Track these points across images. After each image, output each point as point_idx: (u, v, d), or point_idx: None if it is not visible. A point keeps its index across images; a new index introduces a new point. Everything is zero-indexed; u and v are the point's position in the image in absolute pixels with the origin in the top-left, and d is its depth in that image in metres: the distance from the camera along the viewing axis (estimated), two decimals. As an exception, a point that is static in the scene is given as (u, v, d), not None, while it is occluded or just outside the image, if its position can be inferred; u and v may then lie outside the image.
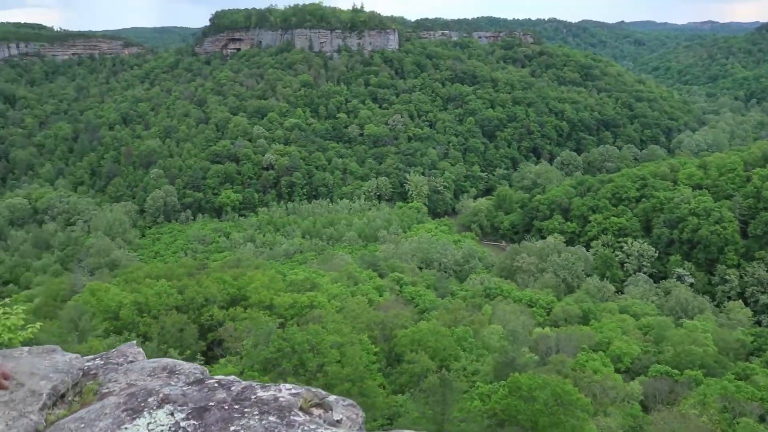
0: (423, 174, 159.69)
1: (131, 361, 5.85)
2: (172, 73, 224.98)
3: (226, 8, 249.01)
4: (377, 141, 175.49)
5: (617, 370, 52.44)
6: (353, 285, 68.74)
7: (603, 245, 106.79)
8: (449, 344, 46.33)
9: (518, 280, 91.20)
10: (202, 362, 38.56)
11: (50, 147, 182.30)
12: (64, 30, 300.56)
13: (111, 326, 43.83)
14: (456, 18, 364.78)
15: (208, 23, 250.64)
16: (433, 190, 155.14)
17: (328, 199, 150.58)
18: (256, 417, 4.15)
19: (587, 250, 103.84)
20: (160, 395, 4.61)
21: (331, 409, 4.65)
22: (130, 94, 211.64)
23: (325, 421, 4.44)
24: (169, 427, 4.15)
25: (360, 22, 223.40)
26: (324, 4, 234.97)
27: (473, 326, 54.73)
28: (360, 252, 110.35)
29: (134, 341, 6.64)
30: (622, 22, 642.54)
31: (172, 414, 4.29)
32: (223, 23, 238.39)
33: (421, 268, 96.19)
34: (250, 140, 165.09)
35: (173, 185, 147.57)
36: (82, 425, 4.41)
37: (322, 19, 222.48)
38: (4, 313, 7.59)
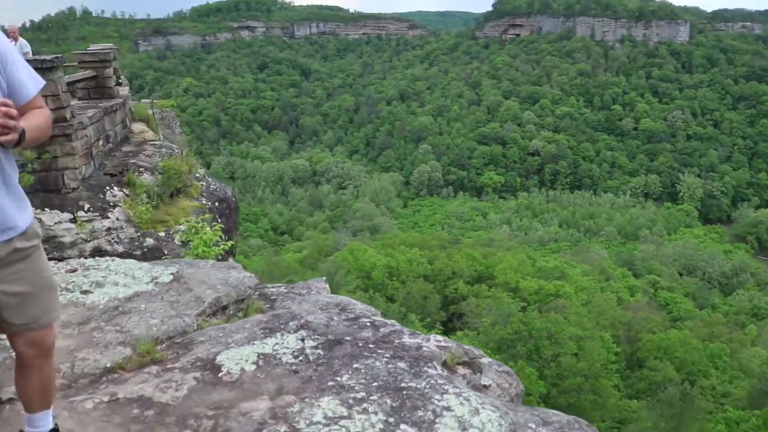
0: (698, 176, 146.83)
1: (314, 294, 6.01)
2: (451, 55, 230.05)
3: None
4: (652, 137, 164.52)
5: None
6: (604, 281, 65.80)
7: None
8: (699, 359, 42.59)
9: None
10: (441, 332, 39.44)
11: (333, 116, 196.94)
12: (358, 12, 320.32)
13: (362, 284, 46.37)
14: (762, 9, 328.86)
15: (490, 8, 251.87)
16: (708, 194, 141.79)
17: (591, 191, 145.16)
18: (385, 359, 4.03)
19: None
20: (302, 321, 4.73)
21: (481, 372, 4.27)
22: (410, 73, 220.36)
23: (468, 383, 4.09)
24: (293, 351, 4.22)
25: (648, 11, 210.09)
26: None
27: (731, 345, 49.59)
28: (617, 249, 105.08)
29: (324, 277, 6.81)
30: None
31: (302, 340, 4.36)
32: (505, 9, 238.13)
33: (681, 275, 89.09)
34: (519, 125, 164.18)
35: (439, 162, 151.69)
36: (221, 334, 4.67)
37: (607, 7, 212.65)
38: (202, 228, 8.22)
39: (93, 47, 15.65)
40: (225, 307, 5.50)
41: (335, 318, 4.93)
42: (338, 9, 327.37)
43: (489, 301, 43.48)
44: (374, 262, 50.49)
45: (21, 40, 16.33)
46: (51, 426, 3.23)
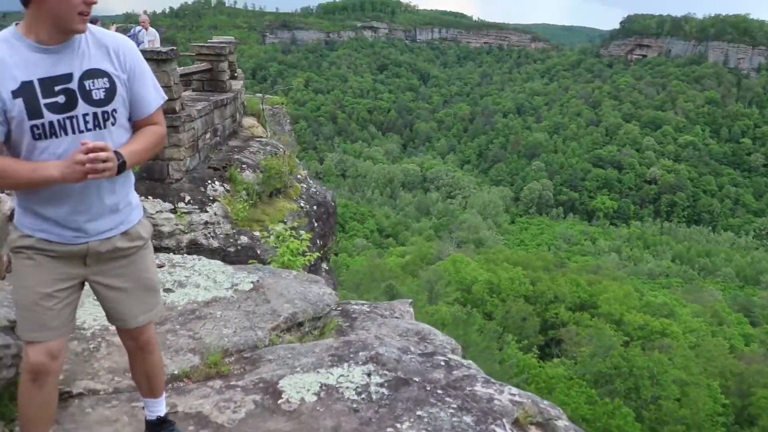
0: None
1: (396, 317, 5.86)
2: (573, 71, 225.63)
3: (639, 12, 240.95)
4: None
5: None
6: (716, 325, 62.20)
7: None
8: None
9: None
10: (536, 356, 38.51)
11: (448, 124, 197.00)
12: (481, 20, 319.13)
13: (461, 297, 45.95)
14: None
15: (617, 26, 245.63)
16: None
17: (710, 228, 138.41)
18: (451, 410, 3.72)
19: None
20: (372, 352, 4.49)
21: (554, 436, 3.77)
22: (529, 87, 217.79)
23: (538, 450, 3.62)
24: (357, 387, 4.03)
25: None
26: (751, 17, 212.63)
27: None
28: (733, 292, 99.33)
29: (410, 300, 6.54)
30: None
31: (369, 375, 4.15)
32: (632, 28, 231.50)
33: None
34: (637, 150, 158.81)
35: (551, 180, 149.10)
36: (290, 355, 4.57)
37: (745, 32, 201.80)
38: (291, 236, 8.13)
39: (213, 40, 15.89)
40: (300, 324, 5.39)
41: (411, 349, 4.71)
42: (461, 16, 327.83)
43: (590, 331, 41.97)
44: (476, 276, 49.95)
45: (151, 29, 16.79)
46: (159, 414, 3.36)
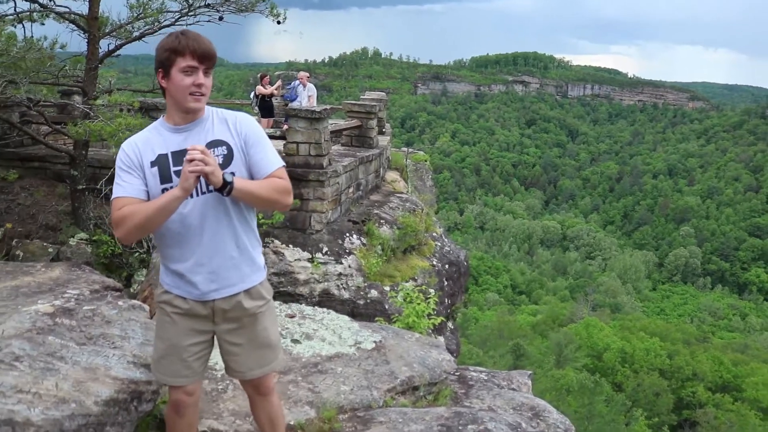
0: None
1: (513, 389, 5.84)
2: (734, 133, 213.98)
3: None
4: None
5: None
6: None
7: None
8: None
9: None
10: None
11: (594, 182, 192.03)
12: (636, 77, 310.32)
13: (590, 364, 44.43)
14: None
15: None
16: None
17: None
18: None
19: None
20: (481, 427, 4.49)
21: None
22: (683, 147, 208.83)
23: None
24: None
25: None
26: None
27: None
28: None
29: (531, 372, 6.61)
30: None
31: None
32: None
33: None
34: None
35: (700, 247, 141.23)
36: (400, 419, 4.61)
37: None
38: (418, 297, 8.42)
39: (365, 96, 16.81)
40: (416, 388, 5.50)
41: (522, 425, 4.68)
42: (616, 72, 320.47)
43: (731, 416, 39.11)
44: (608, 342, 48.01)
45: (309, 85, 18.08)
46: None
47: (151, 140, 3.08)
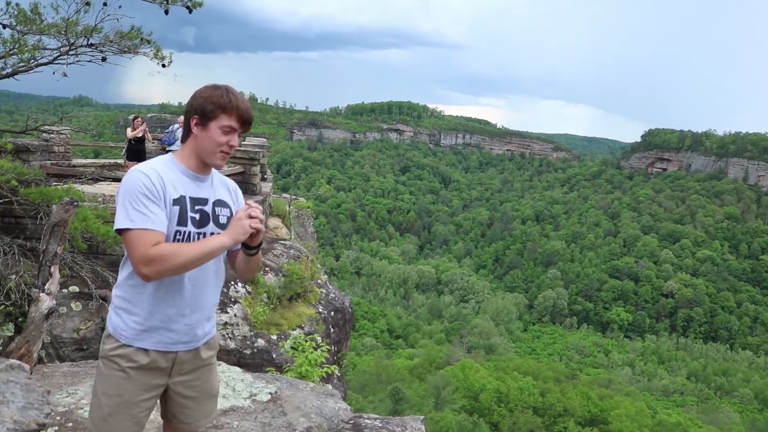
0: None
1: None
2: (593, 182, 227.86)
3: (660, 127, 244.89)
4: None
5: None
6: (733, 449, 60.34)
7: None
8: None
9: None
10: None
11: (466, 228, 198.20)
12: (505, 128, 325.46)
13: (468, 405, 45.14)
14: None
15: (638, 139, 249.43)
16: None
17: (728, 346, 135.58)
18: None
19: None
20: None
21: None
22: (549, 195, 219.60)
23: None
24: None
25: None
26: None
27: None
28: (752, 415, 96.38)
29: (423, 417, 6.58)
30: None
31: None
32: (654, 141, 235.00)
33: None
34: (655, 263, 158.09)
35: (567, 289, 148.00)
36: None
37: (765, 150, 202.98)
38: (309, 346, 8.32)
39: (248, 142, 16.62)
40: None
41: None
42: (486, 123, 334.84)
43: (600, 449, 40.95)
44: (484, 383, 49.12)
45: (174, 125, 17.70)
46: None
47: (170, 176, 2.95)
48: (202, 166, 3.01)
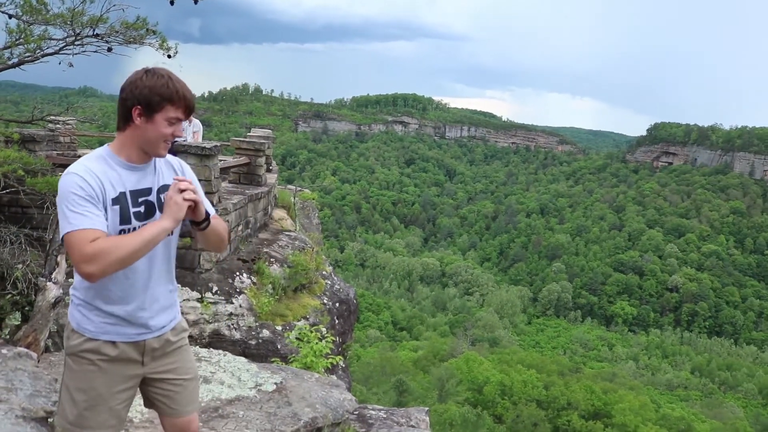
0: None
1: (411, 426, 5.85)
2: (598, 175, 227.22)
3: (666, 121, 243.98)
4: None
5: None
6: (737, 444, 60.29)
7: None
8: None
9: None
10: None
11: (471, 221, 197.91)
12: (510, 120, 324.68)
13: (472, 397, 45.22)
14: None
15: (644, 133, 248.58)
16: None
17: (732, 341, 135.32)
18: None
19: None
20: None
21: None
22: (554, 188, 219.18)
23: None
24: None
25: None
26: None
27: None
28: (755, 410, 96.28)
29: (427, 408, 6.61)
30: None
31: None
32: (659, 135, 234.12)
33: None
34: (660, 257, 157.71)
35: (571, 283, 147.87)
36: None
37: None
38: (315, 337, 8.33)
39: (252, 133, 16.60)
40: (320, 429, 5.44)
41: None
42: (491, 116, 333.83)
43: (603, 442, 41.02)
44: (488, 376, 49.21)
45: (195, 120, 17.62)
46: None
47: (107, 174, 2.86)
48: (143, 156, 2.93)
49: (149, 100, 2.78)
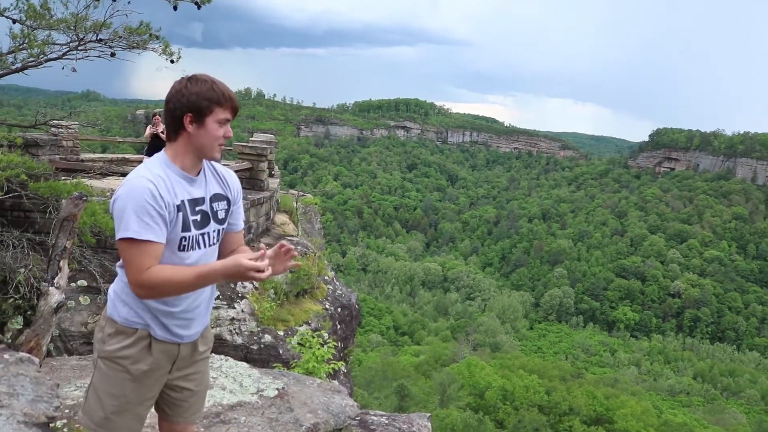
0: None
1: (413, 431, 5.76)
2: (600, 180, 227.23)
3: (668, 126, 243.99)
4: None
5: None
6: (739, 450, 60.13)
7: None
8: None
9: None
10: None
11: (473, 226, 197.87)
12: (512, 126, 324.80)
13: (473, 402, 45.15)
14: None
15: (646, 138, 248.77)
16: None
17: (735, 346, 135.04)
18: None
19: None
20: None
21: None
22: (556, 193, 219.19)
23: None
24: None
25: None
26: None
27: None
28: (758, 416, 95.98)
29: (429, 414, 6.58)
30: None
31: None
32: (661, 140, 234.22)
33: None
34: (662, 263, 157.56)
35: (573, 288, 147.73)
36: None
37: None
38: (317, 342, 8.31)
39: (255, 137, 16.61)
40: None
41: None
42: (493, 121, 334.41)
43: (605, 448, 40.92)
44: (490, 381, 49.11)
45: None
46: None
47: (172, 181, 2.90)
48: (196, 164, 2.97)
49: (198, 105, 2.85)
